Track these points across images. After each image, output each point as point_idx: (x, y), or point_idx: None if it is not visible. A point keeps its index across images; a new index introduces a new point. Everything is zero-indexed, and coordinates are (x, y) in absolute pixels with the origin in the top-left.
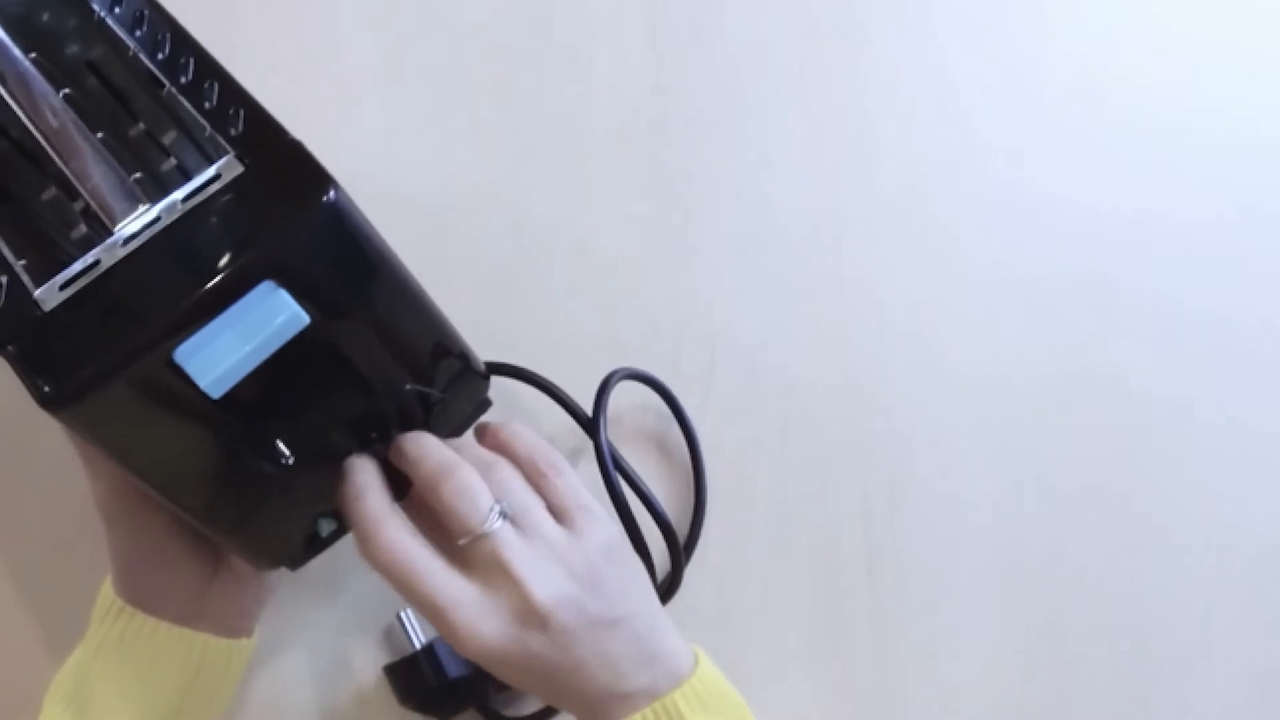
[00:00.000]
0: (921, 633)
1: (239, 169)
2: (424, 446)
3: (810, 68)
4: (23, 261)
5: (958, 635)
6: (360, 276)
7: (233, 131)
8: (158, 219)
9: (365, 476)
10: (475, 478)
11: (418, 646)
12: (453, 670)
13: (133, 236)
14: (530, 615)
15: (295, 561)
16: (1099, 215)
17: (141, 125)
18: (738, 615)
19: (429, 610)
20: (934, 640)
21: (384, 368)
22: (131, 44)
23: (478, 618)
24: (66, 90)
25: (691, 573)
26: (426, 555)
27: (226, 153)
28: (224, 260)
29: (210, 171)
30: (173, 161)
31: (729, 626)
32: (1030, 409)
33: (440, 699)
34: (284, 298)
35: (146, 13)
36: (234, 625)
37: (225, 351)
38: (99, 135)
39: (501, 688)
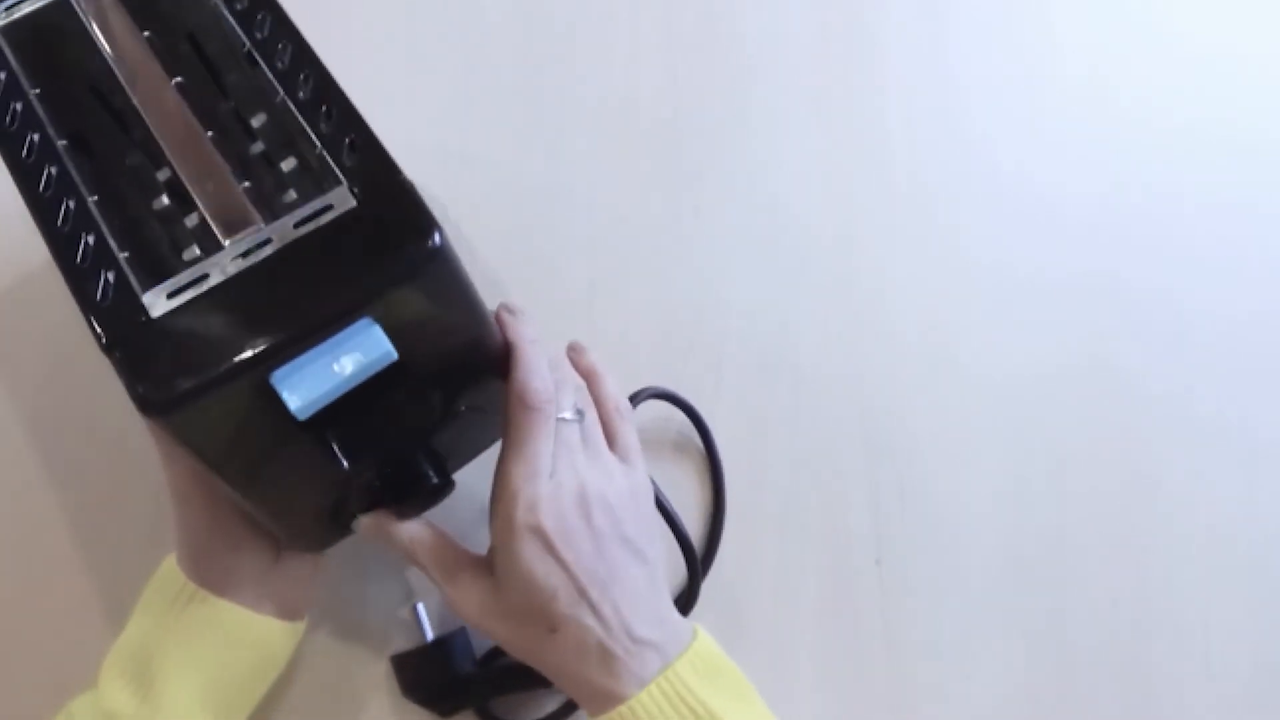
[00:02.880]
0: (929, 624)
1: (351, 203)
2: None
3: (822, 68)
4: (125, 254)
5: (965, 627)
6: (450, 320)
7: (346, 160)
8: (269, 240)
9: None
10: (569, 382)
11: (427, 640)
12: (460, 668)
13: (244, 254)
14: (582, 500)
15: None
16: (1106, 214)
17: (256, 134)
18: (747, 604)
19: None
20: (941, 632)
21: (448, 393)
22: (248, 43)
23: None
24: (179, 79)
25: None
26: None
27: (339, 182)
28: (329, 294)
29: (324, 200)
30: (283, 177)
31: (738, 616)
32: (1037, 404)
33: (443, 695)
34: (379, 335)
35: (268, 19)
36: (293, 609)
37: (318, 379)
38: (209, 134)
39: (503, 691)
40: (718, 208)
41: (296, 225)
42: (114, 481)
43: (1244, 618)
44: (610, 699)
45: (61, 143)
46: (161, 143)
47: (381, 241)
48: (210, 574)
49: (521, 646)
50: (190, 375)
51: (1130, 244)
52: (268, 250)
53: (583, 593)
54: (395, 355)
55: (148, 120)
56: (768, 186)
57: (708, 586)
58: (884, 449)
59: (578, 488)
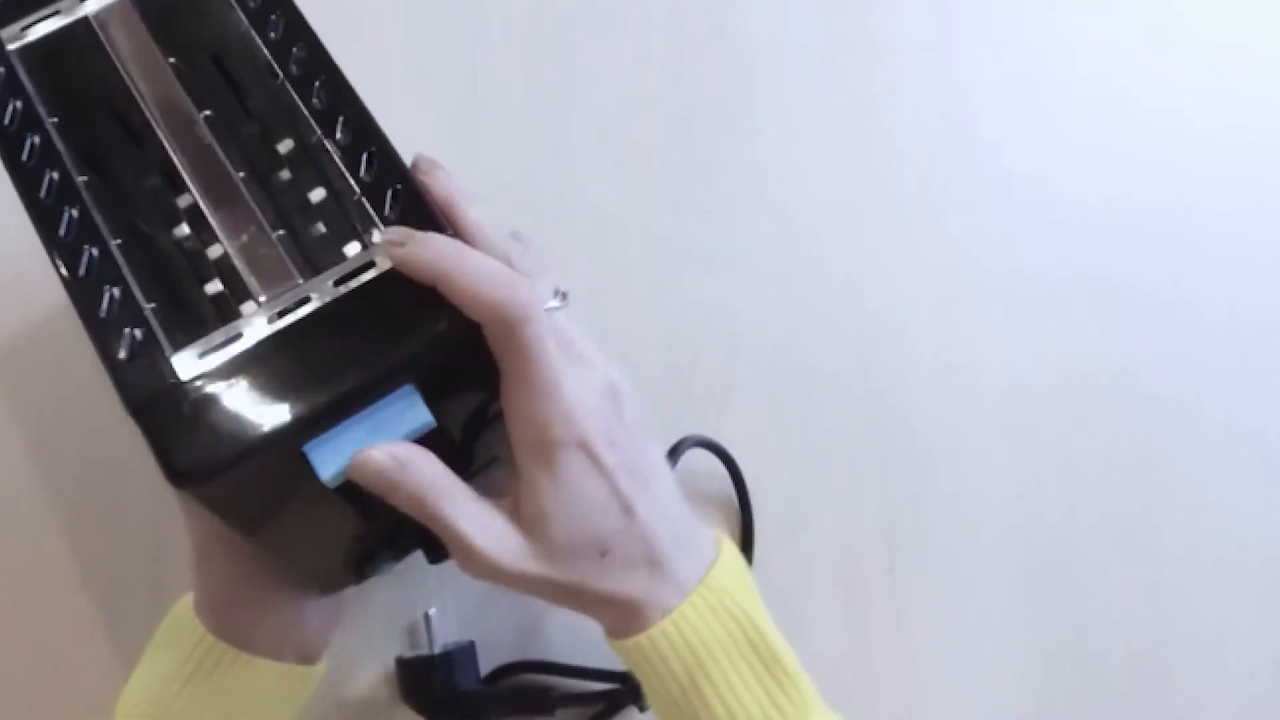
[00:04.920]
0: (941, 632)
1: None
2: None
3: (830, 69)
4: (152, 305)
5: (978, 635)
6: (490, 385)
7: (389, 212)
8: (307, 299)
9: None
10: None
11: (435, 650)
12: (462, 683)
13: (281, 313)
14: (610, 392)
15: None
16: (1117, 219)
17: (287, 173)
18: None
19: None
20: (954, 640)
21: (482, 444)
22: (281, 74)
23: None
24: (207, 113)
25: None
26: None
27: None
28: (371, 360)
29: (365, 257)
30: (321, 228)
31: None
32: (1049, 408)
33: (442, 708)
34: (419, 404)
35: (304, 49)
36: (314, 653)
37: (352, 447)
38: (240, 175)
39: (503, 713)
40: (726, 212)
41: (336, 283)
42: (113, 497)
43: (1259, 624)
44: (652, 610)
45: (82, 179)
46: (191, 186)
47: (425, 303)
48: (233, 628)
49: (566, 584)
50: (223, 446)
51: (1142, 249)
52: (306, 310)
53: (631, 499)
54: (434, 422)
55: (175, 160)
56: (776, 190)
57: None
58: (895, 455)
59: (600, 381)
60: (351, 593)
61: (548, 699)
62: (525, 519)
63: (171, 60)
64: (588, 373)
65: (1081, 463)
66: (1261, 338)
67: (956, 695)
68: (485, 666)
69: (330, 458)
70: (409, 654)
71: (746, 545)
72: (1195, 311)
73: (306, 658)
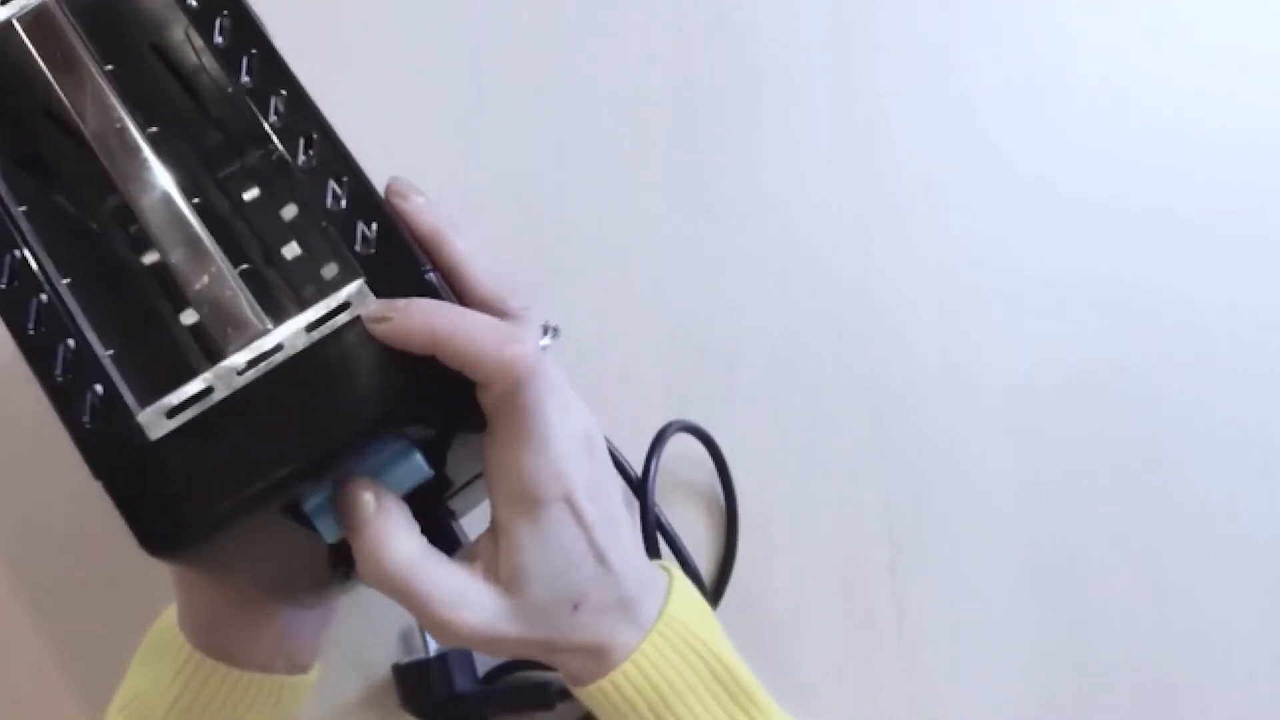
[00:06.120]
0: (944, 632)
1: (371, 301)
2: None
3: (835, 69)
4: (110, 352)
5: (980, 636)
6: (472, 423)
7: (360, 248)
8: (279, 347)
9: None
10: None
11: (431, 654)
12: (460, 684)
13: (252, 363)
14: (587, 441)
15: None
16: (1121, 219)
17: (247, 200)
18: (760, 608)
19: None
20: (957, 640)
21: (469, 467)
22: (232, 86)
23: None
24: (153, 129)
25: None
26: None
27: (355, 274)
28: (351, 412)
29: (339, 298)
30: (289, 268)
31: (751, 620)
32: (1052, 409)
33: (441, 711)
34: (418, 460)
35: (257, 59)
36: (306, 661)
37: None
38: (195, 201)
39: (503, 711)
40: (730, 211)
41: (309, 328)
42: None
43: (1261, 624)
44: (615, 651)
45: (20, 209)
46: (143, 223)
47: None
48: (220, 645)
49: (537, 639)
50: (199, 511)
51: (1143, 249)
52: (278, 358)
53: (605, 549)
54: (432, 473)
55: (120, 189)
56: (779, 190)
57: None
58: (897, 455)
59: (581, 430)
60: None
61: (547, 693)
62: (504, 577)
63: (110, 67)
64: (570, 422)
65: (1083, 462)
66: (1262, 337)
67: (958, 695)
68: (482, 667)
69: (334, 521)
70: (405, 660)
71: (731, 532)
72: (1196, 311)
73: (298, 667)
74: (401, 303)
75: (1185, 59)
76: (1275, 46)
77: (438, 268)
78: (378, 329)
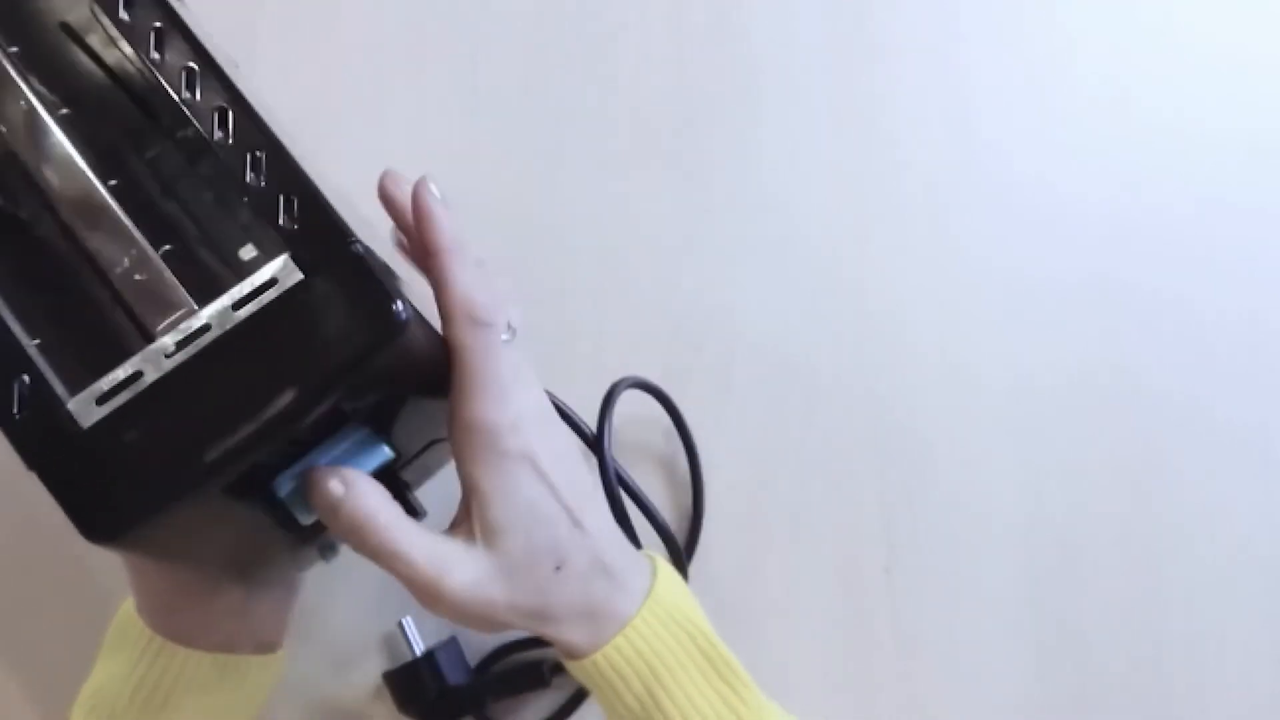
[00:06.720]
0: (940, 633)
1: (297, 275)
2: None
3: (832, 68)
4: (36, 341)
5: (977, 636)
6: (420, 387)
7: (284, 223)
8: (207, 327)
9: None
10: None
11: (418, 653)
12: (452, 678)
13: (181, 344)
14: (543, 416)
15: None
16: (1120, 220)
17: (171, 191)
18: (755, 610)
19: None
20: (953, 641)
21: (420, 436)
22: (145, 61)
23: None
24: (65, 111)
25: (710, 569)
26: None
27: (280, 249)
28: (285, 386)
29: (265, 274)
30: (211, 245)
31: (746, 622)
32: (1051, 412)
33: (439, 707)
34: (382, 448)
35: (165, 31)
36: (270, 641)
37: None
38: (112, 183)
39: (500, 696)
40: (728, 210)
41: (236, 306)
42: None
43: (1260, 624)
44: (610, 621)
45: None
46: (59, 208)
47: (336, 320)
48: (178, 628)
49: (527, 603)
50: (138, 496)
51: (1143, 249)
52: (207, 338)
53: (578, 512)
54: (394, 455)
55: (30, 169)
56: (778, 189)
57: (716, 591)
58: (894, 454)
59: (536, 404)
60: (314, 601)
61: (541, 672)
62: (480, 534)
63: (15, 49)
64: (527, 394)
65: (1081, 462)
66: (1262, 337)
67: (955, 695)
68: (472, 660)
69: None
70: (394, 666)
71: (696, 496)
72: (1195, 311)
73: (264, 646)
74: (436, 199)
75: (1185, 59)
76: (1275, 46)
77: (430, 276)
78: (423, 203)
